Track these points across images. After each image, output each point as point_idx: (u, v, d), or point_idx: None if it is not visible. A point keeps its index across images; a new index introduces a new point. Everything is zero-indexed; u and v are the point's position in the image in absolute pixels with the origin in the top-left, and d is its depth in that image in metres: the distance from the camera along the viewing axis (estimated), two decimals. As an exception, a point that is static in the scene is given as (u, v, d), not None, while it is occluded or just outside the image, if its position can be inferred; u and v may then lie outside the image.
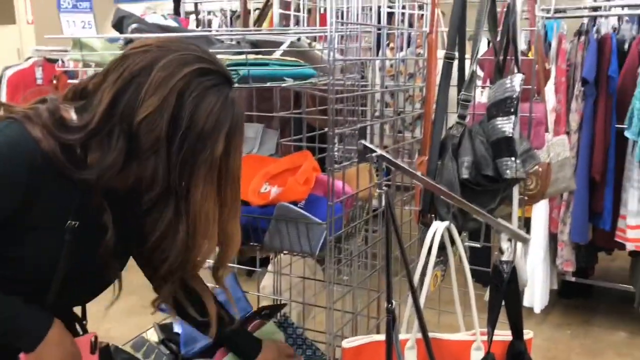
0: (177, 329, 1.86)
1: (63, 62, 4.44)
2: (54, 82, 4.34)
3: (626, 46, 3.12)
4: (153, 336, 1.87)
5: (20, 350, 1.10)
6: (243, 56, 1.39)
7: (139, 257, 1.33)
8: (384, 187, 1.83)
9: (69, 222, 1.08)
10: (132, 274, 1.30)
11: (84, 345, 1.19)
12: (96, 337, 1.24)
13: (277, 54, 1.50)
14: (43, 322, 1.11)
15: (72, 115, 1.08)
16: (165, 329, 1.88)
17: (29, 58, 4.56)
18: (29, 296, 1.10)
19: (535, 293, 3.29)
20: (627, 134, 2.98)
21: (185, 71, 1.05)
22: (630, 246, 3.09)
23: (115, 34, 1.71)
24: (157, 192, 1.06)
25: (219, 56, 1.43)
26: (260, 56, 1.45)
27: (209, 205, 1.10)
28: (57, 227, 1.08)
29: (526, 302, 3.22)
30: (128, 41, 1.56)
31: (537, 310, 3.32)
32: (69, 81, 1.66)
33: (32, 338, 1.09)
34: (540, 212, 3.28)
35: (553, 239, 3.35)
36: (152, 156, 1.04)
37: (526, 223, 2.96)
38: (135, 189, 1.08)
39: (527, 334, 1.56)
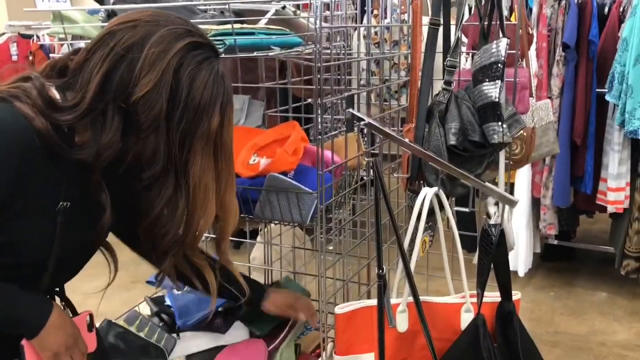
0: (168, 301, 1.87)
1: (38, 37, 4.37)
2: (30, 58, 4.25)
3: (606, 10, 3.14)
4: (145, 309, 1.88)
5: (21, 337, 1.09)
6: (228, 26, 1.38)
7: (127, 233, 1.32)
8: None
9: (61, 203, 1.07)
10: (119, 250, 1.30)
11: (80, 325, 1.20)
12: (91, 316, 1.24)
13: (262, 23, 1.49)
14: (43, 308, 1.11)
15: (55, 94, 1.06)
16: (156, 302, 1.89)
17: (3, 34, 4.46)
18: (24, 281, 1.09)
19: (519, 257, 3.35)
20: (608, 97, 3.02)
21: (179, 46, 1.04)
22: (610, 208, 3.16)
23: (93, 5, 1.68)
24: (158, 169, 1.06)
25: (204, 26, 1.42)
26: (245, 25, 1.43)
27: (207, 177, 1.11)
28: (48, 208, 1.07)
29: (510, 266, 3.28)
30: (110, 12, 1.53)
31: (521, 273, 3.39)
32: (52, 55, 1.63)
33: (33, 325, 1.09)
34: (523, 177, 3.33)
35: (536, 203, 3.40)
36: (152, 133, 1.03)
37: (510, 189, 3.00)
38: (132, 166, 1.07)
39: (515, 294, 1.59)
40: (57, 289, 1.24)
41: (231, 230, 1.26)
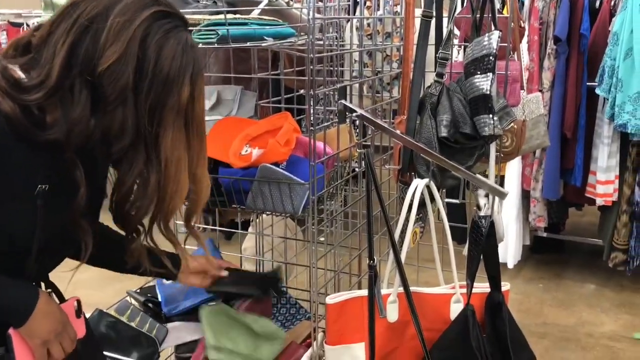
0: (158, 291, 1.87)
1: (28, 25, 4.33)
2: (20, 47, 4.22)
3: (597, 4, 3.15)
4: (135, 300, 1.88)
5: (6, 325, 1.08)
6: (221, 16, 1.37)
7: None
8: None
9: (39, 186, 1.04)
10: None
11: (68, 311, 1.19)
12: (79, 301, 1.23)
13: (255, 13, 1.49)
14: (29, 296, 1.09)
15: (20, 74, 1.02)
16: (144, 291, 1.88)
17: (-8, 22, 4.42)
18: (9, 268, 1.07)
19: (509, 249, 3.38)
20: (598, 91, 3.04)
21: (144, 15, 1.01)
22: (599, 201, 3.19)
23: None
24: (126, 142, 1.03)
25: (196, 16, 1.42)
26: (238, 15, 1.43)
27: (179, 151, 1.08)
28: (27, 193, 1.05)
29: (500, 258, 3.31)
30: None
31: (510, 265, 3.42)
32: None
33: (21, 313, 1.08)
34: (513, 169, 3.35)
35: (526, 196, 3.43)
36: (119, 106, 1.01)
37: (500, 181, 3.02)
38: (102, 142, 1.04)
39: (504, 285, 1.61)
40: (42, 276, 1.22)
41: (203, 203, 1.22)
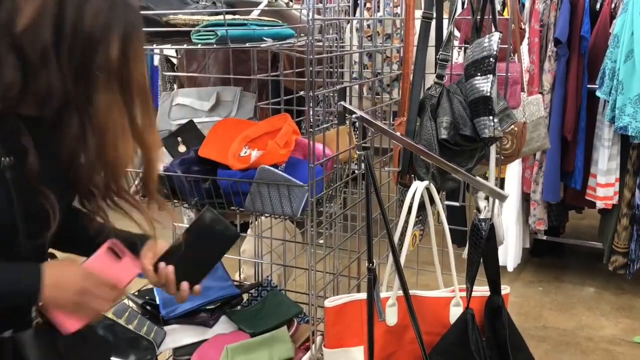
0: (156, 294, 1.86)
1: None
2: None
3: (598, 6, 3.14)
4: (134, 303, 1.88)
5: (22, 308, 1.06)
6: (220, 17, 1.37)
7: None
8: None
9: (3, 159, 1.01)
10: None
11: (101, 262, 1.12)
12: (114, 242, 1.14)
13: (254, 14, 1.48)
14: (31, 275, 1.04)
15: None
16: (142, 294, 1.88)
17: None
18: (2, 253, 1.04)
19: (509, 252, 3.36)
20: (598, 93, 3.03)
21: None
22: (599, 204, 3.18)
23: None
24: (54, 105, 1.01)
25: (195, 17, 1.41)
26: (237, 16, 1.42)
27: (115, 114, 1.04)
28: None
29: (499, 261, 3.30)
30: None
31: (510, 268, 3.41)
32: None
33: (30, 294, 1.04)
34: (513, 172, 3.34)
35: (526, 198, 3.42)
36: (42, 67, 0.98)
37: (500, 184, 3.01)
38: (35, 105, 1.02)
39: (504, 289, 1.60)
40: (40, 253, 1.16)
41: (156, 167, 1.16)
